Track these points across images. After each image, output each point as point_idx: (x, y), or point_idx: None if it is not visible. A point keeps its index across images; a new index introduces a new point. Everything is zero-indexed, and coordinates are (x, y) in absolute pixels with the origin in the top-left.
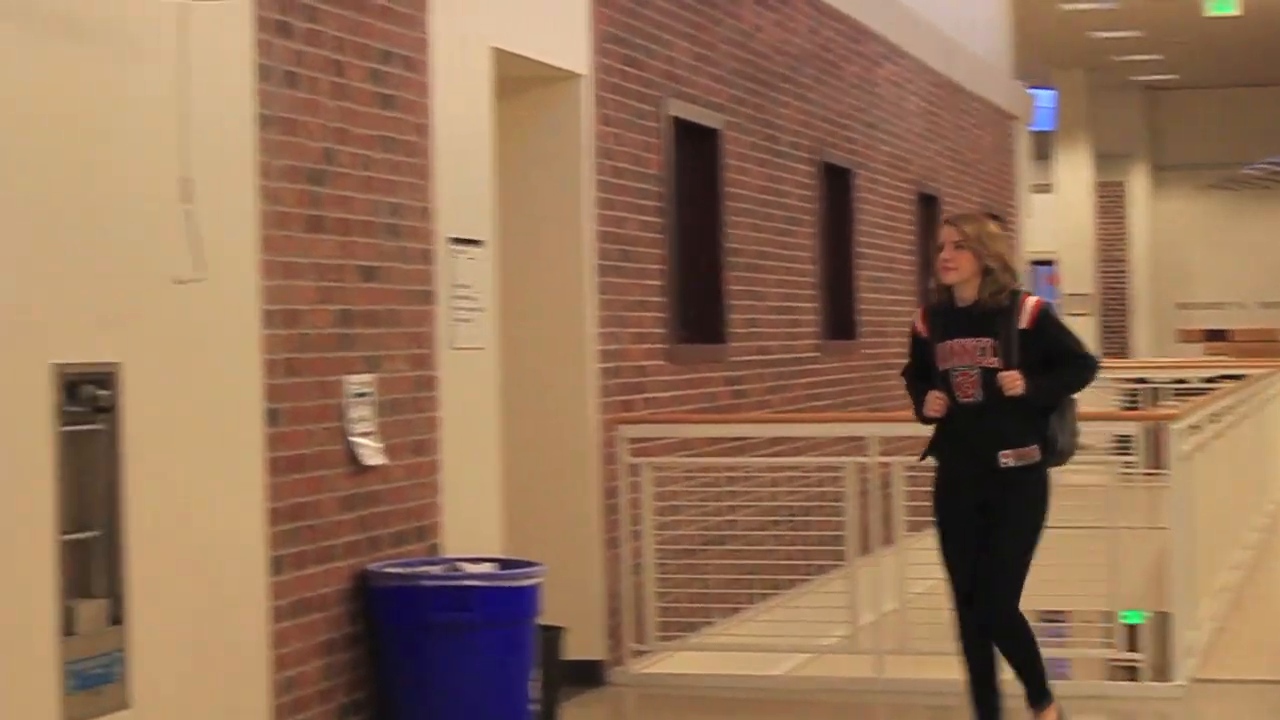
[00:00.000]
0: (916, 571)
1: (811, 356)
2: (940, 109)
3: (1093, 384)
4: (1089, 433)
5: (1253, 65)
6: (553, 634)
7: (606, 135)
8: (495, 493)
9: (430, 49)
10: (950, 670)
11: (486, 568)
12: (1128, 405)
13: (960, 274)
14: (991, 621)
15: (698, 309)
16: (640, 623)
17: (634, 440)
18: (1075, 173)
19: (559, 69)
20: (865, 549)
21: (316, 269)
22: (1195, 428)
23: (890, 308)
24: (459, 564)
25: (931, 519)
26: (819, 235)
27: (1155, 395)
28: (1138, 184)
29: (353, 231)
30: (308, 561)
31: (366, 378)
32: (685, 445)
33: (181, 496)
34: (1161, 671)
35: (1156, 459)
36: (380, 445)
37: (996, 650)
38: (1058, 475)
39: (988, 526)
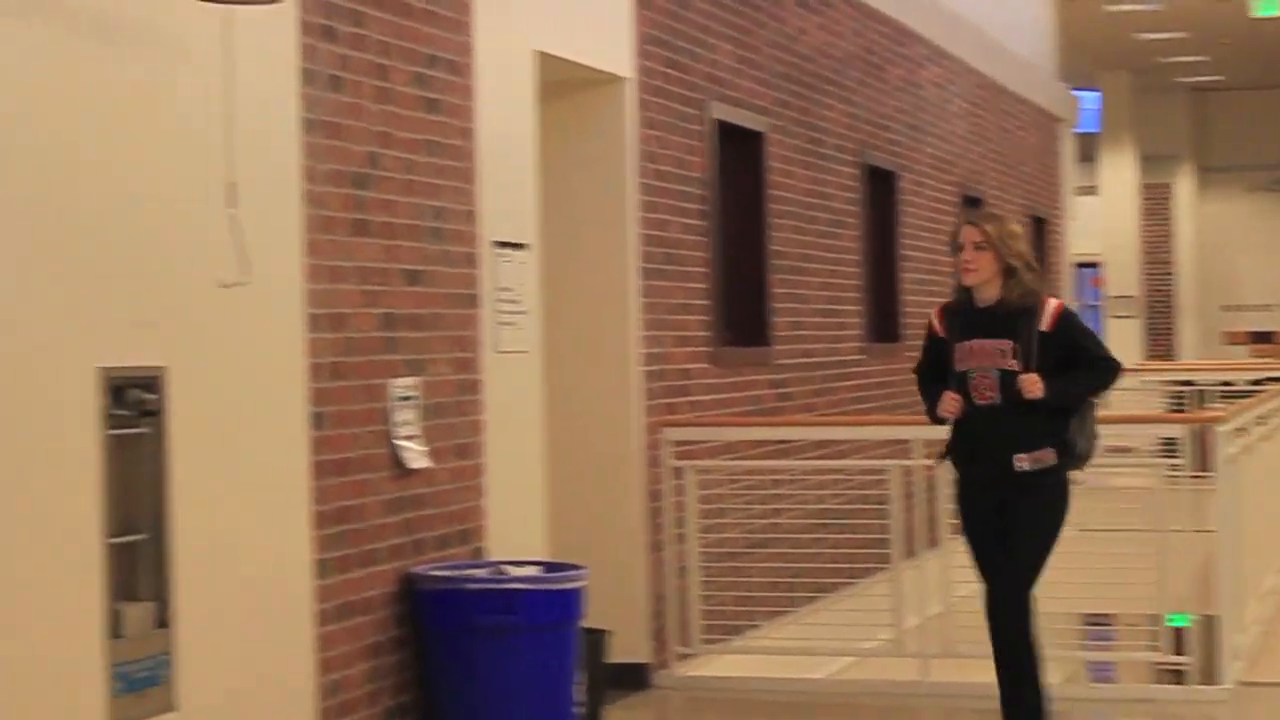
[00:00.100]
0: (961, 574)
1: (856, 359)
2: (984, 111)
3: (1137, 387)
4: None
5: None
6: (597, 637)
7: (650, 138)
8: (539, 496)
9: (474, 53)
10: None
11: (531, 571)
12: (1174, 408)
13: (981, 275)
14: (997, 620)
15: (742, 312)
16: (684, 626)
17: (678, 443)
18: (1120, 175)
19: (602, 72)
20: (910, 552)
21: (361, 273)
22: (1242, 430)
23: None
24: (503, 567)
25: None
26: (863, 238)
27: (1201, 398)
28: (1183, 186)
29: (397, 235)
30: (352, 565)
31: (411, 381)
32: (729, 448)
33: (227, 500)
34: (1208, 675)
35: (1203, 462)
36: (425, 449)
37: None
38: (1106, 478)
39: (1005, 529)
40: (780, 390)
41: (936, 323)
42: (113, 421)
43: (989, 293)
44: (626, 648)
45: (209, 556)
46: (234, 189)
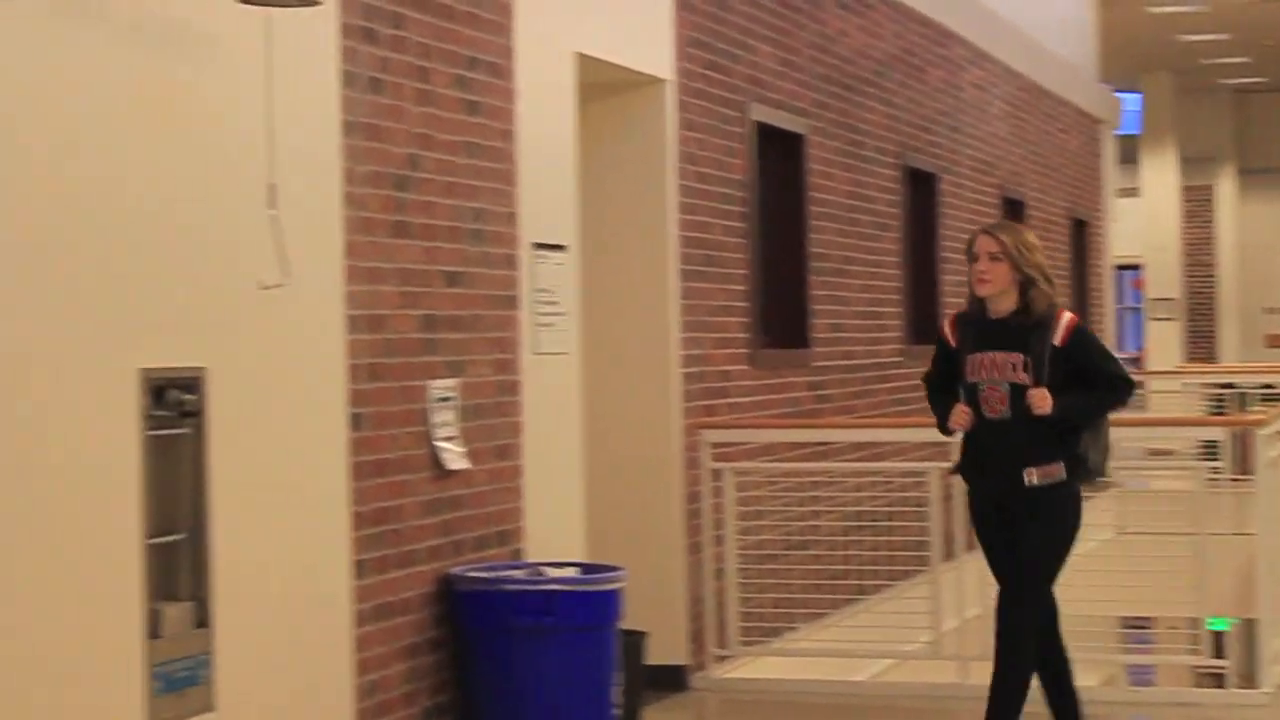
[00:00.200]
0: None
1: (895, 361)
2: (1025, 113)
3: (1178, 389)
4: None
5: None
6: (635, 638)
7: (690, 140)
8: (578, 497)
9: (515, 55)
10: (1034, 677)
11: (569, 572)
12: (1214, 410)
13: (995, 286)
14: (998, 627)
15: (781, 314)
16: (722, 627)
17: (716, 445)
18: (1161, 176)
19: (643, 74)
20: (949, 554)
21: (400, 274)
22: None
23: None
24: (541, 568)
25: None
26: (903, 240)
27: (1242, 400)
28: (1225, 188)
29: (437, 237)
30: (391, 566)
31: (450, 382)
32: (768, 450)
33: (266, 500)
34: (1248, 679)
35: (1244, 465)
36: (463, 450)
37: (1065, 652)
38: (1147, 481)
39: (1016, 540)
40: (819, 392)
41: (949, 332)
42: (153, 422)
43: (1002, 304)
44: (664, 649)
45: (248, 557)
46: (274, 190)
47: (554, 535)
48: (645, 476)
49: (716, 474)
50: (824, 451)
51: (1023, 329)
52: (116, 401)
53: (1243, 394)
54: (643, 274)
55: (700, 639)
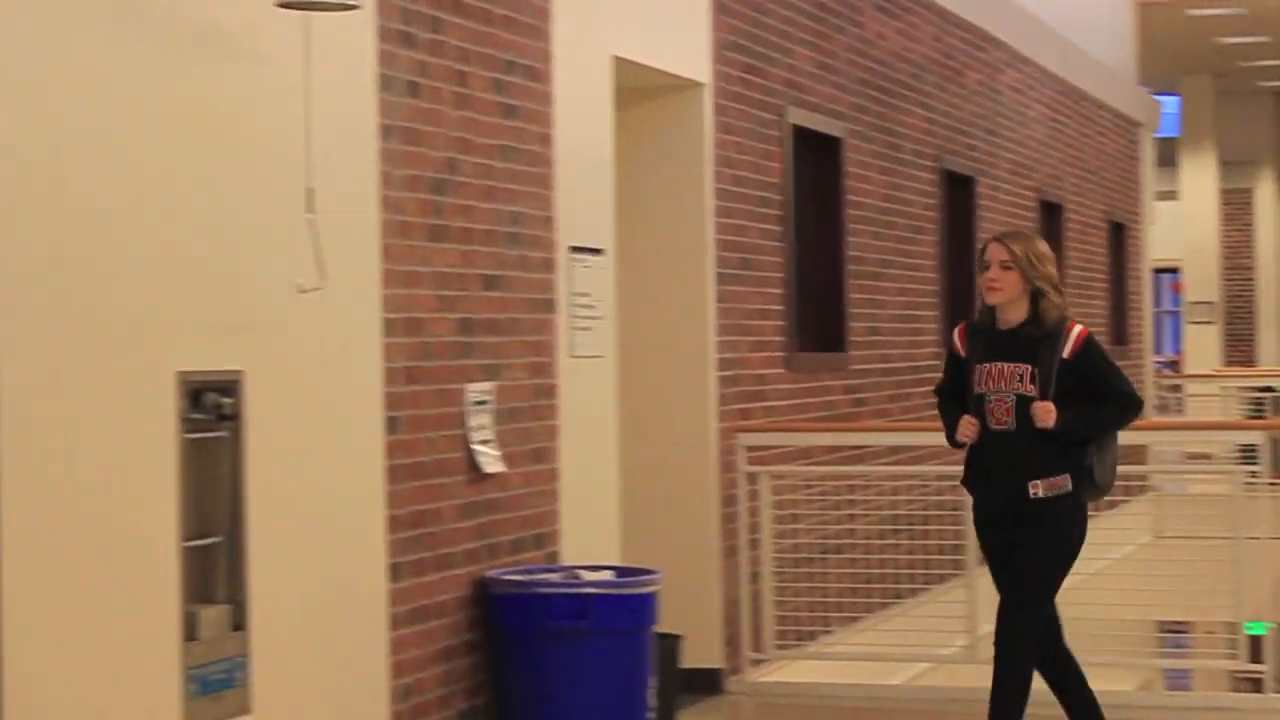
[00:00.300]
0: None
1: (931, 365)
2: (1063, 115)
3: (1216, 393)
4: (1213, 442)
5: None
6: (670, 642)
7: (727, 144)
8: (613, 500)
9: (553, 59)
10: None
11: (604, 575)
12: (1253, 414)
13: (1005, 295)
14: (997, 633)
15: (818, 317)
16: (758, 631)
17: (752, 448)
18: (1200, 180)
19: (680, 78)
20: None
21: (438, 278)
22: None
23: None
24: (577, 571)
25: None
26: (940, 243)
27: None
28: (1265, 190)
29: (474, 240)
30: (427, 568)
31: (486, 386)
32: (804, 454)
33: (302, 503)
34: None
35: None
36: (499, 453)
37: (1074, 660)
38: (1184, 485)
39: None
40: (855, 396)
41: (958, 341)
42: (190, 425)
43: (1013, 314)
44: (699, 653)
45: (284, 559)
46: (312, 194)
47: (589, 538)
48: (681, 480)
49: (752, 477)
50: (860, 455)
51: (1032, 340)
52: (154, 405)
53: None
54: (679, 277)
55: (735, 642)
